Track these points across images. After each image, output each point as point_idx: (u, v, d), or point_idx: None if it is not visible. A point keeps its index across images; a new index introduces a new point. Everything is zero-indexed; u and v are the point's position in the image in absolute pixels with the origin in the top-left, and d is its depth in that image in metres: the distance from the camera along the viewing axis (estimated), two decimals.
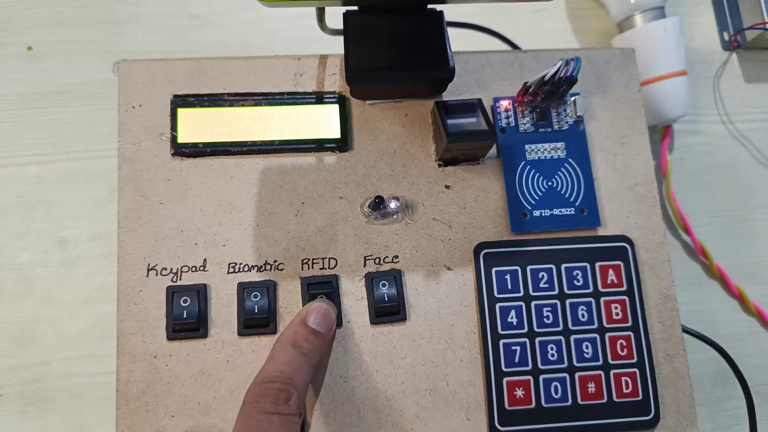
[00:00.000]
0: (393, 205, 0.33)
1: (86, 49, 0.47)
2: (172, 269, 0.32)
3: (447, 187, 0.34)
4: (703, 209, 0.49)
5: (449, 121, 0.32)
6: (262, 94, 0.34)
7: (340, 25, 0.33)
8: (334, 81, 0.35)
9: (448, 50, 0.33)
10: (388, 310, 0.32)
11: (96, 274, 0.43)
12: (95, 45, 0.47)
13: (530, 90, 0.34)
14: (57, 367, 0.42)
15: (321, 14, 0.32)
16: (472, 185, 0.35)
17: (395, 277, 0.33)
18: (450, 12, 0.38)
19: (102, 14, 0.48)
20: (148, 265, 0.32)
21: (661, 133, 0.48)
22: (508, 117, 0.35)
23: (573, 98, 0.35)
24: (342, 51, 0.33)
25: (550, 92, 0.34)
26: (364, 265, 0.33)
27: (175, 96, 0.34)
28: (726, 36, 0.52)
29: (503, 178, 0.34)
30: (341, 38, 0.33)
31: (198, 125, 0.33)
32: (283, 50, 0.48)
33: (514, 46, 0.46)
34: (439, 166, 0.35)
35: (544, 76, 0.33)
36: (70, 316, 0.42)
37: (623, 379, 0.32)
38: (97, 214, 0.44)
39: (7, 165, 0.44)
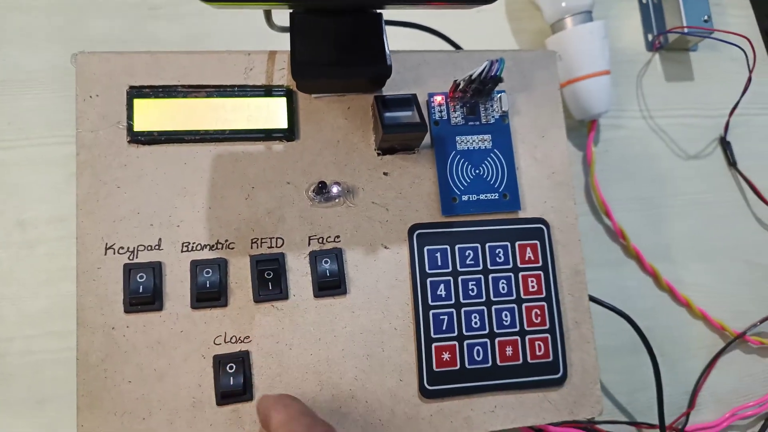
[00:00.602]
0: (335, 189, 0.37)
1: (48, 36, 0.48)
2: (128, 248, 0.34)
3: (385, 173, 0.38)
4: (624, 196, 0.53)
5: (386, 114, 0.36)
6: (214, 86, 0.37)
7: (287, 23, 0.36)
8: (282, 75, 0.38)
9: (386, 49, 0.36)
10: (330, 284, 0.35)
11: (56, 256, 0.45)
12: (56, 32, 0.49)
13: (460, 87, 0.38)
14: (19, 344, 0.44)
15: (268, 14, 0.35)
16: (408, 172, 0.38)
17: (336, 255, 0.36)
18: (394, 11, 0.41)
19: (62, 3, 0.49)
20: (106, 244, 0.34)
21: (587, 127, 0.53)
22: (441, 111, 0.39)
23: (499, 95, 0.39)
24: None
25: (477, 90, 0.38)
26: (309, 244, 0.36)
27: (131, 87, 0.36)
28: (650, 37, 0.57)
29: (436, 166, 0.38)
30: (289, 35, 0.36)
31: (153, 115, 0.36)
32: (240, 41, 0.51)
33: (455, 45, 0.50)
34: (378, 155, 0.38)
35: (471, 75, 0.36)
36: (31, 295, 0.45)
37: (537, 343, 0.36)
38: (56, 197, 0.46)
39: None
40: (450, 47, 0.50)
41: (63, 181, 0.46)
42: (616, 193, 0.53)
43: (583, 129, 0.53)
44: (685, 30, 0.54)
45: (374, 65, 0.36)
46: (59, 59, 0.48)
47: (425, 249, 0.37)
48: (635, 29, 0.58)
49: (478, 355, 0.35)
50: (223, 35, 0.51)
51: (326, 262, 0.36)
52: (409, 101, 0.37)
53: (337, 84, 0.38)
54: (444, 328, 0.36)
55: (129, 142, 0.35)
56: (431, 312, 0.36)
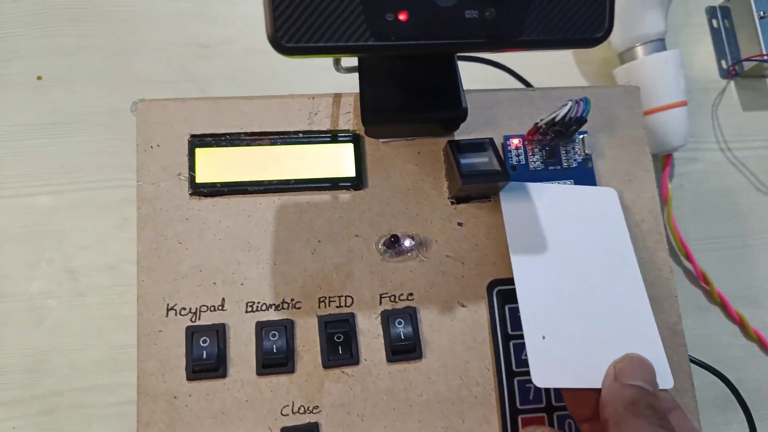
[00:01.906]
0: (407, 243, 0.34)
1: (94, 78, 0.47)
2: (191, 309, 0.32)
3: (459, 224, 0.35)
4: (702, 235, 0.50)
5: (462, 161, 0.33)
6: (277, 133, 0.35)
7: (353, 62, 0.34)
8: (348, 119, 0.36)
9: (461, 91, 0.34)
10: (405, 348, 0.33)
11: (107, 304, 0.44)
12: (102, 74, 0.47)
13: (541, 130, 0.35)
14: (70, 397, 0.42)
15: (337, 59, 0.33)
16: (483, 222, 0.35)
17: (410, 315, 0.33)
18: None
19: (109, 44, 0.48)
20: (168, 305, 0.32)
21: (662, 162, 0.49)
22: (518, 155, 0.36)
23: (581, 136, 0.36)
24: (355, 88, 0.34)
25: (559, 132, 0.35)
26: (380, 302, 0.34)
27: (193, 136, 0.34)
28: (724, 65, 0.54)
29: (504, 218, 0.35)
30: (354, 74, 0.34)
31: (215, 165, 0.34)
32: (292, 80, 0.49)
33: (520, 78, 0.47)
34: (452, 203, 0.35)
35: (554, 117, 0.34)
36: (82, 347, 0.43)
37: None
38: (106, 244, 0.44)
39: (18, 195, 0.44)
40: (517, 82, 0.47)
41: (112, 227, 0.45)
42: (692, 231, 0.49)
43: (656, 163, 0.50)
44: (766, 57, 0.50)
45: (449, 108, 0.33)
46: (105, 102, 0.47)
47: (506, 308, 0.34)
48: (707, 56, 0.54)
49: (570, 429, 0.32)
50: (276, 73, 0.49)
51: (400, 323, 0.33)
52: (485, 146, 0.34)
53: (407, 128, 0.35)
54: (531, 397, 0.32)
55: (191, 194, 0.33)
56: (516, 379, 0.33)
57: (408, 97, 0.33)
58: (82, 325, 0.43)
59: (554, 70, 0.52)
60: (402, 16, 0.23)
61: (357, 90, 0.34)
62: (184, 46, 0.49)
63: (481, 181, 0.32)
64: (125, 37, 0.48)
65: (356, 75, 0.35)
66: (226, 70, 0.49)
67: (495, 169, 0.32)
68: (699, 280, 0.48)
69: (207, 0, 0.50)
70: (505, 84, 0.49)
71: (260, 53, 0.50)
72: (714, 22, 0.55)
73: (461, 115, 0.33)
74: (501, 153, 0.36)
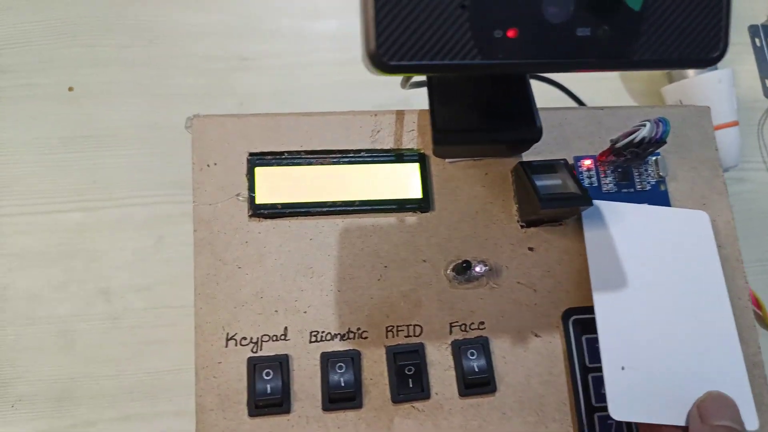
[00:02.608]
0: (479, 269, 0.32)
1: (129, 91, 0.45)
2: (252, 339, 0.30)
3: (530, 249, 0.33)
4: (753, 257, 0.48)
5: (539, 184, 0.32)
6: (340, 151, 0.33)
7: (419, 78, 0.32)
8: (412, 137, 0.34)
9: (534, 110, 0.32)
10: (478, 381, 0.31)
11: (141, 328, 0.41)
12: (138, 86, 0.45)
13: (617, 151, 0.33)
14: (102, 428, 0.39)
15: (408, 76, 0.32)
16: (555, 247, 0.34)
17: (483, 346, 0.31)
18: None
19: (146, 55, 0.46)
20: (227, 334, 0.30)
21: None
22: (590, 177, 0.35)
23: (654, 158, 0.35)
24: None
25: (635, 153, 0.33)
26: (450, 332, 0.32)
27: (251, 154, 0.32)
28: None
29: (587, 240, 0.34)
30: (411, 91, 0.32)
31: (276, 185, 0.32)
32: (334, 95, 0.47)
33: (572, 96, 0.46)
34: (522, 227, 0.34)
35: (633, 138, 0.32)
36: (115, 373, 0.40)
37: None
38: (141, 264, 0.42)
39: (48, 212, 0.42)
40: (570, 100, 0.46)
41: (148, 246, 0.43)
42: (743, 254, 0.48)
43: None
44: None
45: (523, 129, 0.32)
46: (141, 115, 0.45)
47: (584, 338, 0.32)
48: (751, 74, 0.53)
49: None
50: (318, 89, 0.48)
51: (472, 354, 0.31)
52: (560, 167, 0.33)
53: (475, 148, 0.33)
54: None
55: (250, 216, 0.31)
56: (596, 415, 0.31)
57: (481, 117, 0.32)
58: (115, 349, 0.41)
59: (599, 86, 0.51)
60: (511, 33, 0.22)
61: (407, 106, 0.33)
62: (223, 58, 0.47)
63: (562, 205, 0.31)
64: (162, 48, 0.46)
65: (414, 91, 0.33)
66: (267, 84, 0.47)
67: (576, 193, 0.31)
68: (752, 304, 0.46)
69: (247, 12, 0.48)
70: (546, 99, 0.48)
71: (302, 68, 0.48)
72: (757, 40, 0.54)
73: (536, 136, 0.32)
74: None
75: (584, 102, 0.46)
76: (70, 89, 0.45)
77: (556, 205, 0.31)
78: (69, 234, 0.42)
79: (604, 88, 0.51)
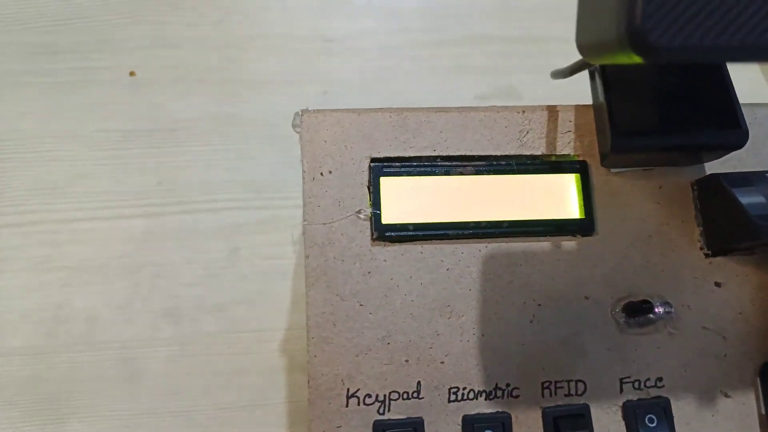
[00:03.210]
0: (661, 310, 0.25)
1: (199, 77, 0.39)
2: (378, 396, 0.24)
3: (717, 284, 0.27)
4: None
5: (744, 201, 0.25)
6: (483, 158, 0.26)
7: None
8: (569, 141, 0.27)
9: (738, 107, 0.25)
10: None
11: (214, 356, 0.35)
12: (210, 72, 0.39)
13: None
14: None
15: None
16: (749, 282, 0.27)
17: (664, 410, 0.25)
18: None
19: (218, 35, 0.40)
20: (348, 390, 0.24)
21: None
22: None
23: None
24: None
25: None
26: (621, 390, 0.25)
27: (374, 160, 0.26)
28: None
29: None
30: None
31: (406, 199, 0.25)
32: (429, 83, 0.40)
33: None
34: (706, 256, 0.27)
35: None
36: (185, 408, 0.35)
37: None
38: (213, 280, 0.36)
39: (109, 217, 0.36)
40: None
41: (221, 259, 0.37)
42: None
43: None
44: None
45: (725, 131, 0.25)
46: (213, 105, 0.39)
47: None
48: None
49: None
50: (410, 75, 0.41)
51: (651, 421, 0.24)
52: (761, 180, 0.26)
53: (656, 156, 0.26)
54: None
55: (374, 239, 0.25)
56: None
57: (671, 116, 0.25)
58: (184, 380, 0.35)
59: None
60: None
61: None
62: (305, 39, 0.40)
63: None
64: (236, 27, 0.40)
65: (554, 86, 0.27)
66: (353, 69, 0.40)
67: None
68: None
69: None
70: None
71: (392, 50, 0.41)
72: None
73: (741, 141, 0.25)
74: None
75: None
76: (132, 74, 0.39)
77: None
78: (132, 244, 0.36)
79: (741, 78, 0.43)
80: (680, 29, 0.14)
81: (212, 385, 0.35)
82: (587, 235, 0.26)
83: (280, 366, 0.35)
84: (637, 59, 0.15)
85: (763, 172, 0.26)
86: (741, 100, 0.27)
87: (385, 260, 0.25)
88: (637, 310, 0.25)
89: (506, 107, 0.27)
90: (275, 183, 0.37)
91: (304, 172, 0.25)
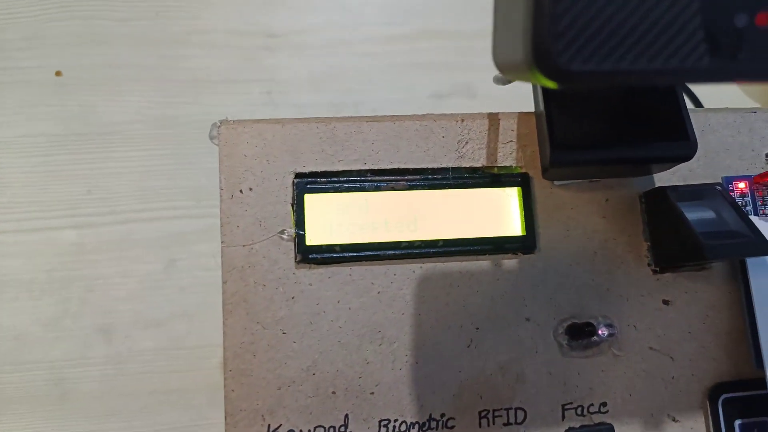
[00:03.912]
0: (604, 332, 0.24)
1: (134, 77, 0.37)
2: None
3: (665, 302, 0.25)
4: None
5: (690, 216, 0.23)
6: (417, 171, 0.25)
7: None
8: (510, 151, 0.26)
9: (686, 118, 0.23)
10: None
11: (151, 374, 0.34)
12: (146, 71, 0.37)
13: None
14: None
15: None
16: (698, 299, 0.25)
17: None
18: None
19: (154, 31, 0.37)
20: (269, 426, 0.22)
21: None
22: (744, 204, 0.26)
23: None
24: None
25: None
26: (563, 417, 0.24)
27: (299, 175, 0.24)
28: None
29: (742, 290, 0.25)
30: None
31: (333, 218, 0.24)
32: (385, 81, 0.38)
33: (693, 98, 0.37)
34: (654, 272, 0.25)
35: None
36: (122, 430, 0.33)
37: None
38: (149, 294, 0.34)
39: (36, 229, 0.34)
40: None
41: (157, 271, 0.35)
42: None
43: None
44: None
45: (673, 143, 0.23)
46: (148, 106, 0.36)
47: (737, 424, 0.24)
48: None
49: None
50: (362, 73, 0.39)
51: None
52: (711, 193, 0.24)
53: (601, 168, 0.25)
54: None
55: (298, 261, 0.23)
56: None
57: (615, 128, 0.23)
58: (119, 401, 0.33)
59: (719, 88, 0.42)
60: (763, 20, 0.13)
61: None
62: (247, 35, 0.38)
63: (732, 254, 0.22)
64: (173, 22, 0.37)
65: (509, 87, 0.25)
66: (301, 67, 0.38)
67: (749, 237, 0.22)
68: None
69: None
70: None
71: (344, 46, 0.39)
72: None
73: (689, 152, 0.23)
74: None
75: (701, 102, 0.37)
76: (58, 74, 0.36)
77: (726, 253, 0.22)
78: (61, 257, 0.34)
79: (726, 90, 0.42)
80: (594, 51, 0.13)
81: (149, 406, 0.33)
82: (529, 253, 0.25)
83: (222, 384, 0.33)
84: (549, 83, 0.13)
85: (713, 185, 0.25)
86: (718, 105, 0.25)
87: (310, 284, 0.23)
88: (579, 333, 0.24)
89: (444, 115, 0.26)
90: (216, 190, 0.35)
91: (221, 189, 0.23)
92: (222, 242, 0.23)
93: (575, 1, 0.12)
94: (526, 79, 0.14)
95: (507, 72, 0.15)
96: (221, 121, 0.24)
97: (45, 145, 0.35)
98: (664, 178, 0.26)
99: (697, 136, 0.25)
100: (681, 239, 0.23)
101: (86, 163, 0.35)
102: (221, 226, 0.23)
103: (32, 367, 0.33)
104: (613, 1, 0.13)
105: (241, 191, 0.23)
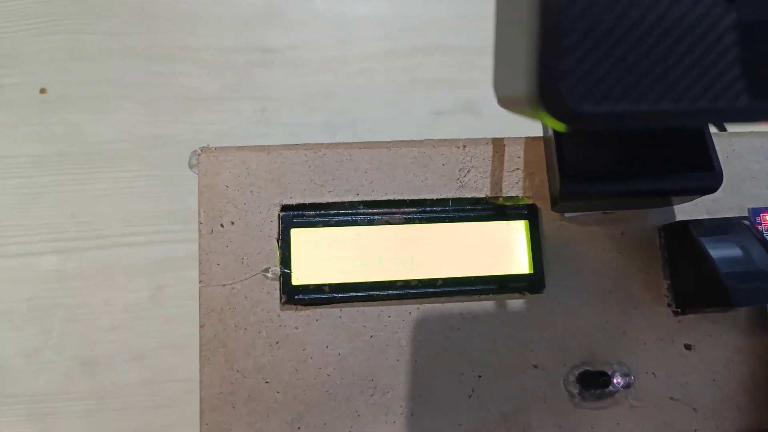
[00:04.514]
0: (619, 381, 0.22)
1: (122, 94, 0.35)
2: None
3: (687, 347, 0.23)
4: None
5: (715, 255, 0.21)
6: (415, 203, 0.23)
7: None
8: (517, 180, 0.24)
9: (711, 147, 0.21)
10: None
11: (137, 410, 0.32)
12: (134, 88, 0.35)
13: None
14: None
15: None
16: (722, 343, 0.23)
17: None
18: None
19: (143, 46, 0.36)
20: None
21: None
22: None
23: None
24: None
25: None
26: None
27: (285, 207, 0.22)
28: None
29: None
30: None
31: (322, 255, 0.22)
32: (382, 99, 0.36)
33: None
34: (675, 314, 0.23)
35: None
36: None
37: None
38: (135, 323, 0.33)
39: (17, 254, 0.33)
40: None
41: (143, 299, 0.33)
42: None
43: None
44: None
45: (696, 174, 0.21)
46: (135, 125, 0.35)
47: None
48: None
49: None
50: (361, 90, 0.37)
51: None
52: (738, 228, 0.22)
53: (616, 200, 0.23)
54: None
55: (284, 303, 0.21)
56: None
57: (631, 156, 0.21)
58: None
59: None
60: None
61: (508, 127, 0.22)
62: (240, 51, 0.36)
63: (764, 301, 0.20)
64: (164, 37, 0.36)
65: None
66: (296, 84, 0.37)
67: None
68: None
69: None
70: None
71: (340, 63, 0.37)
72: None
73: (714, 184, 0.21)
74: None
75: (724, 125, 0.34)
76: (42, 91, 0.34)
77: (755, 300, 0.20)
78: (42, 284, 0.32)
79: None
80: (609, 89, 0.11)
81: None
82: (536, 293, 0.23)
83: None
84: (558, 126, 0.11)
85: (740, 219, 0.22)
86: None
87: (296, 327, 0.21)
88: (592, 382, 0.22)
89: (444, 141, 0.24)
90: None
91: (200, 223, 0.22)
92: (200, 281, 0.21)
93: (588, 31, 0.10)
94: (530, 117, 0.12)
95: (509, 108, 0.13)
96: (201, 149, 0.22)
97: (27, 166, 0.33)
98: (685, 208, 0.24)
99: (721, 162, 0.23)
100: (704, 280, 0.21)
101: (70, 185, 0.33)
102: (199, 264, 0.21)
103: (12, 401, 0.31)
104: (632, 32, 0.11)
105: (221, 225, 0.22)
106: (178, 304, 0.33)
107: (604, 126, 0.11)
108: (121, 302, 0.33)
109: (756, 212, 0.24)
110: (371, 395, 0.21)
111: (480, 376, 0.22)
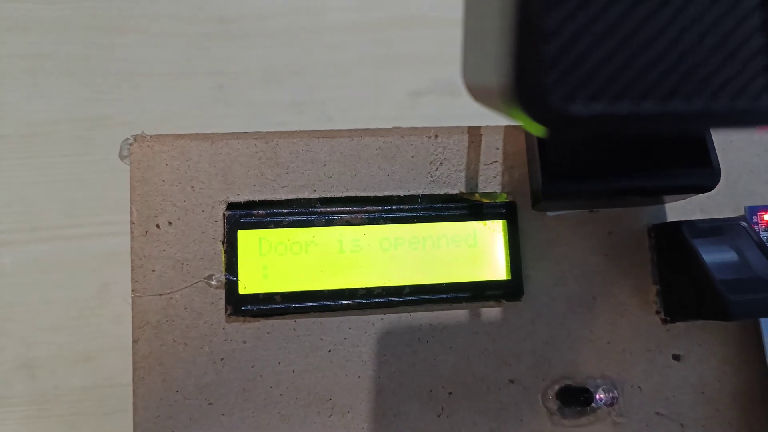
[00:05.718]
0: (602, 397, 0.20)
1: (61, 69, 0.31)
2: None
3: (676, 357, 0.21)
4: None
5: (707, 260, 0.19)
6: (379, 200, 0.20)
7: None
8: (495, 174, 0.21)
9: (709, 142, 0.19)
10: None
11: (82, 416, 0.29)
12: (75, 63, 0.32)
13: None
14: None
15: None
16: (712, 354, 0.21)
17: None
18: None
19: (84, 16, 0.32)
20: None
21: None
22: None
23: None
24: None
25: None
26: None
27: (232, 206, 0.19)
28: None
29: (764, 344, 0.21)
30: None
31: (273, 260, 0.19)
32: (353, 76, 0.34)
33: None
34: (663, 321, 0.21)
35: None
36: None
37: None
38: (78, 323, 0.30)
39: None
40: None
41: (88, 297, 0.30)
42: None
43: None
44: None
45: (692, 171, 0.19)
46: (78, 104, 0.31)
47: None
48: None
49: None
50: (326, 66, 0.34)
51: None
52: (736, 231, 0.20)
53: (596, 198, 0.21)
54: None
55: (229, 314, 0.19)
56: None
57: (621, 151, 0.19)
58: None
59: None
60: None
61: (493, 119, 0.20)
62: (196, 21, 0.33)
63: (763, 314, 0.18)
64: (111, 7, 0.32)
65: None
66: (257, 58, 0.33)
67: None
68: None
69: None
70: None
71: (307, 34, 0.34)
72: None
73: (710, 182, 0.19)
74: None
75: None
76: None
77: (754, 313, 0.18)
78: None
79: None
80: (604, 85, 0.08)
81: None
82: (514, 300, 0.20)
83: None
84: (536, 129, 0.09)
85: (737, 221, 0.20)
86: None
87: (244, 342, 0.19)
88: (573, 399, 0.20)
89: (414, 129, 0.21)
90: None
91: (132, 224, 0.19)
92: (132, 290, 0.19)
93: (578, 8, 0.08)
94: (504, 115, 0.10)
95: (481, 101, 0.11)
96: (134, 137, 0.19)
97: None
98: (677, 205, 0.22)
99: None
100: (697, 288, 0.19)
101: (4, 171, 0.30)
102: (132, 270, 0.19)
103: None
104: (634, 13, 0.08)
105: (157, 226, 0.19)
106: (126, 302, 0.30)
107: (596, 131, 0.09)
108: (63, 300, 0.30)
109: (753, 210, 0.22)
110: (329, 416, 0.19)
111: (451, 394, 0.20)
